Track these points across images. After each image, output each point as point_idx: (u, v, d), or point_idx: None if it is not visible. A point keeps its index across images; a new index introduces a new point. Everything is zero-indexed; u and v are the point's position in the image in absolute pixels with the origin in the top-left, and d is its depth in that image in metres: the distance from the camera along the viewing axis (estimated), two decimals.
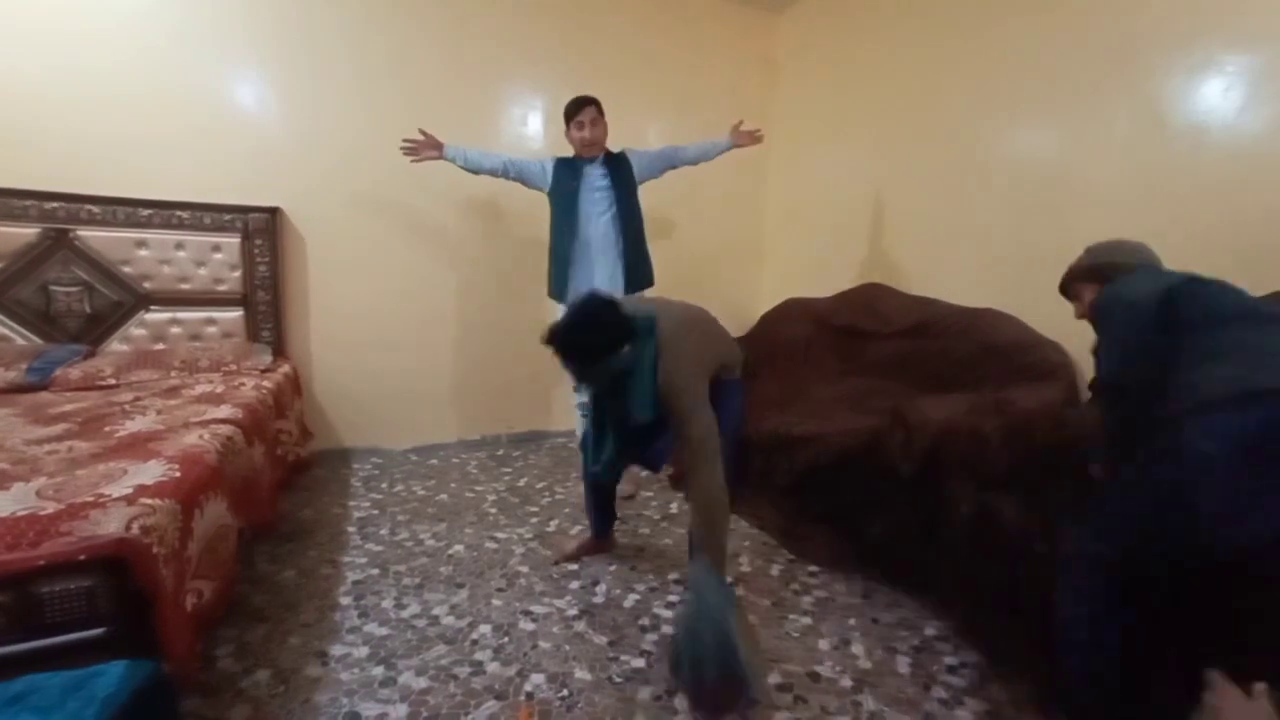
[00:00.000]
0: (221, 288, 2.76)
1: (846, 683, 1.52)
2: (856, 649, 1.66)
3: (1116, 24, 2.12)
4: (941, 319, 2.62)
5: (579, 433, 2.61)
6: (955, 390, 2.15)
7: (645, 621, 1.76)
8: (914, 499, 1.86)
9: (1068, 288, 1.59)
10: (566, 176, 2.58)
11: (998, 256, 2.57)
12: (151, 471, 1.29)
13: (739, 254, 4.00)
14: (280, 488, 2.26)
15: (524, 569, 2.04)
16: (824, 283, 3.35)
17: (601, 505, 2.10)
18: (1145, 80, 2.06)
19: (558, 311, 2.52)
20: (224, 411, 1.84)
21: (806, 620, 1.79)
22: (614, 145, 2.68)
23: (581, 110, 2.51)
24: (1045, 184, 2.37)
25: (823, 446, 2.13)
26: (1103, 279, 1.47)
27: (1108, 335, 1.36)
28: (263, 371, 2.54)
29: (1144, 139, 2.07)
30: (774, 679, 1.52)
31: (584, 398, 2.36)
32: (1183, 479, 1.10)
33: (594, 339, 1.50)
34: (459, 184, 3.17)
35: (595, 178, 2.57)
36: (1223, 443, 1.07)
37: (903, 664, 1.60)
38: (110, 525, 1.05)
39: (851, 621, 1.79)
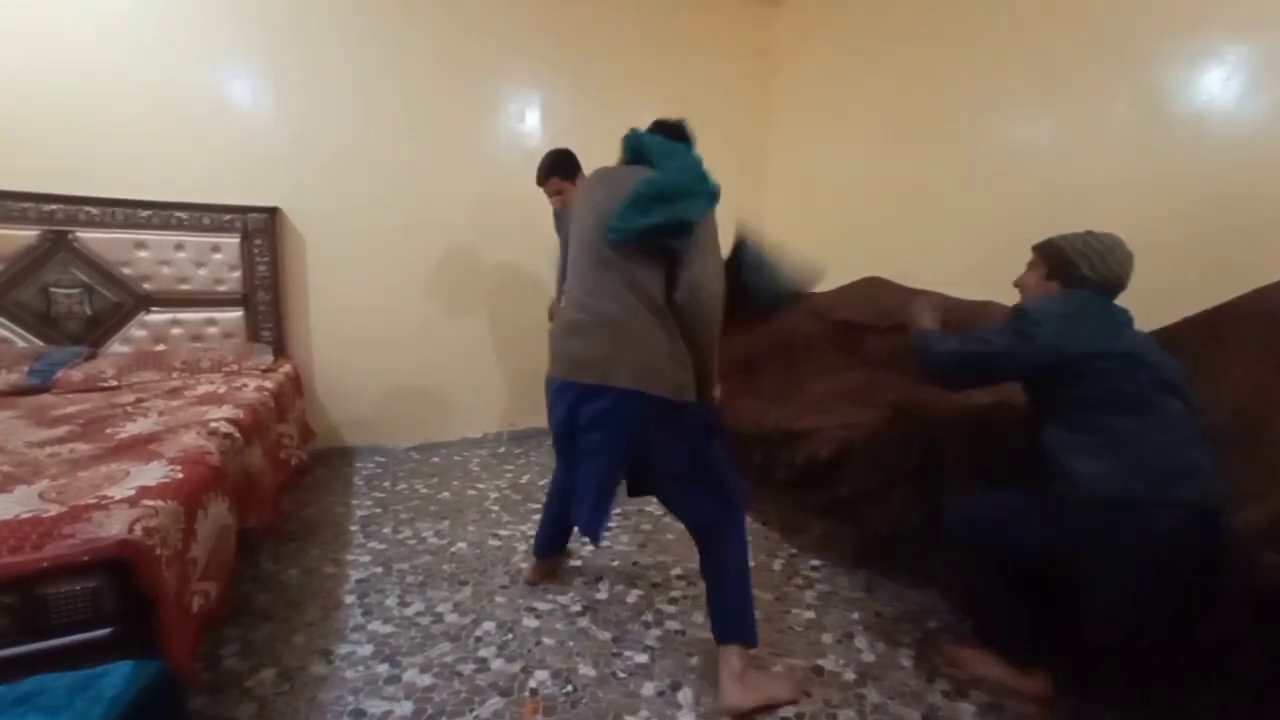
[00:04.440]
0: (221, 288, 2.75)
1: (850, 676, 1.52)
2: (860, 642, 1.66)
3: (1116, 12, 2.11)
4: (943, 312, 2.61)
5: None
6: None
7: (648, 617, 1.77)
8: (915, 492, 1.86)
9: (1035, 252, 1.55)
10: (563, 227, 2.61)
11: (998, 249, 2.55)
12: (154, 473, 1.30)
13: None
14: (283, 489, 2.26)
15: (527, 566, 2.04)
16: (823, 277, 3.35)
17: (557, 507, 1.89)
18: (1145, 69, 2.05)
19: None
20: (226, 412, 1.84)
21: (809, 614, 1.79)
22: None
23: (546, 182, 2.53)
24: (1045, 175, 2.36)
25: (823, 440, 2.13)
26: (1055, 274, 1.46)
27: (1002, 333, 1.41)
28: (264, 371, 2.54)
29: (1144, 129, 2.06)
30: (777, 670, 1.52)
31: None
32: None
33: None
34: (459, 181, 3.17)
35: None
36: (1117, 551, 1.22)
37: (906, 657, 1.60)
38: (113, 527, 1.05)
39: (854, 615, 1.79)
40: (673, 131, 1.59)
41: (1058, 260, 1.46)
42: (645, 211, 1.33)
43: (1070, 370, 1.33)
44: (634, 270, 1.37)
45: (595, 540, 1.46)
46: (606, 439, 1.37)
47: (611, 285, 1.38)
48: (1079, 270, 1.41)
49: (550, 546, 1.97)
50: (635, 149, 1.52)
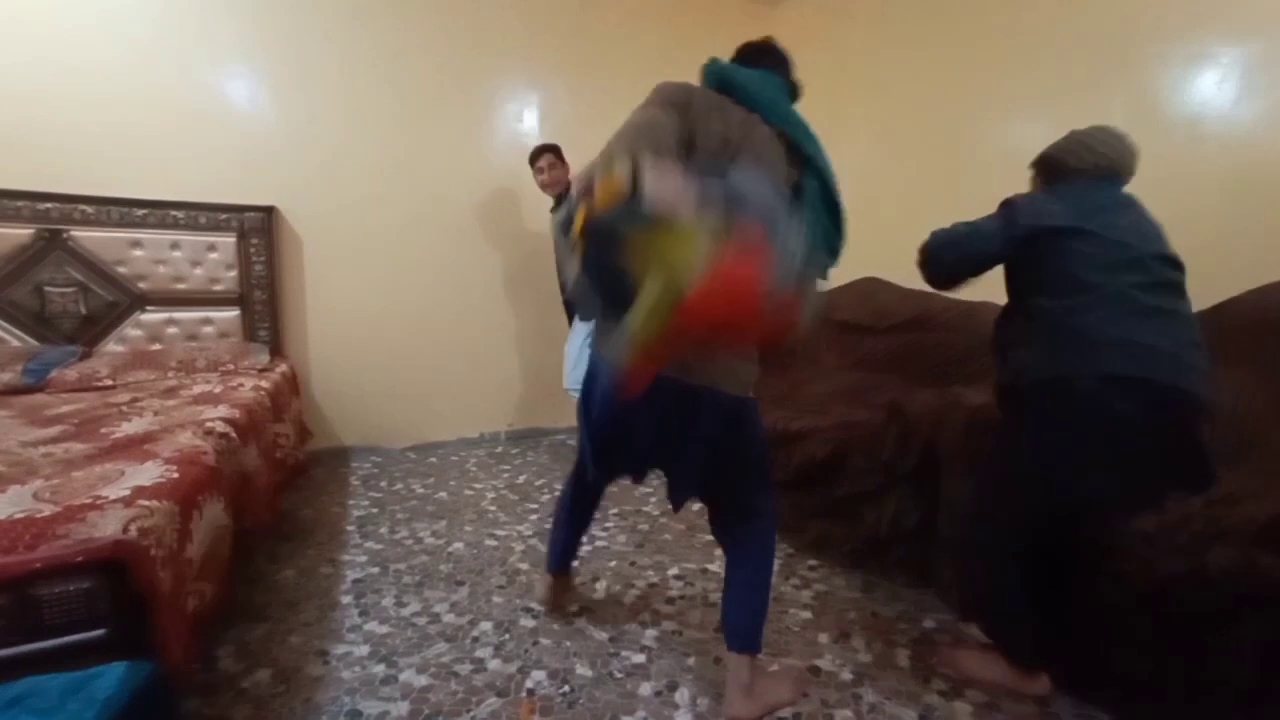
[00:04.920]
0: (218, 287, 2.75)
1: (847, 676, 1.52)
2: (856, 642, 1.66)
3: (1112, 16, 2.12)
4: (939, 312, 2.62)
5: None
6: (953, 383, 2.15)
7: (645, 617, 1.76)
8: (912, 492, 1.87)
9: (1030, 169, 1.57)
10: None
11: None
12: (149, 473, 1.29)
13: None
14: (280, 489, 2.26)
15: (524, 566, 2.04)
16: None
17: (577, 519, 1.72)
18: (1141, 72, 2.06)
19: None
20: (222, 412, 1.83)
21: (806, 614, 1.79)
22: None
23: (540, 157, 2.67)
24: None
25: (820, 441, 2.13)
26: (1047, 174, 1.48)
27: (988, 218, 1.46)
28: (260, 371, 2.53)
29: (1139, 131, 2.06)
30: (774, 670, 1.52)
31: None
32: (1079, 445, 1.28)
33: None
34: (456, 181, 3.17)
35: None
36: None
37: (902, 657, 1.60)
38: (108, 527, 1.05)
39: (851, 615, 1.79)
40: (772, 62, 1.33)
41: (1047, 164, 1.50)
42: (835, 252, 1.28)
43: (1037, 249, 1.37)
44: None
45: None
46: (694, 439, 1.26)
47: None
48: (1068, 164, 1.43)
49: (567, 557, 1.78)
50: (722, 83, 1.26)
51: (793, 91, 1.35)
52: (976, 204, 2.61)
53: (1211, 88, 1.88)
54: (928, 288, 2.76)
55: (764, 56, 1.32)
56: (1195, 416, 1.25)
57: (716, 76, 1.26)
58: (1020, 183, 2.43)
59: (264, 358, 2.66)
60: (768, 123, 1.20)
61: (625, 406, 1.26)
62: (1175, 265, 1.33)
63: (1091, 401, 1.24)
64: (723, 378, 1.23)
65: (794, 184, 1.20)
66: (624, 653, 1.60)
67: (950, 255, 1.54)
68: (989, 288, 2.61)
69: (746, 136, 1.16)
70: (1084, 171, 1.41)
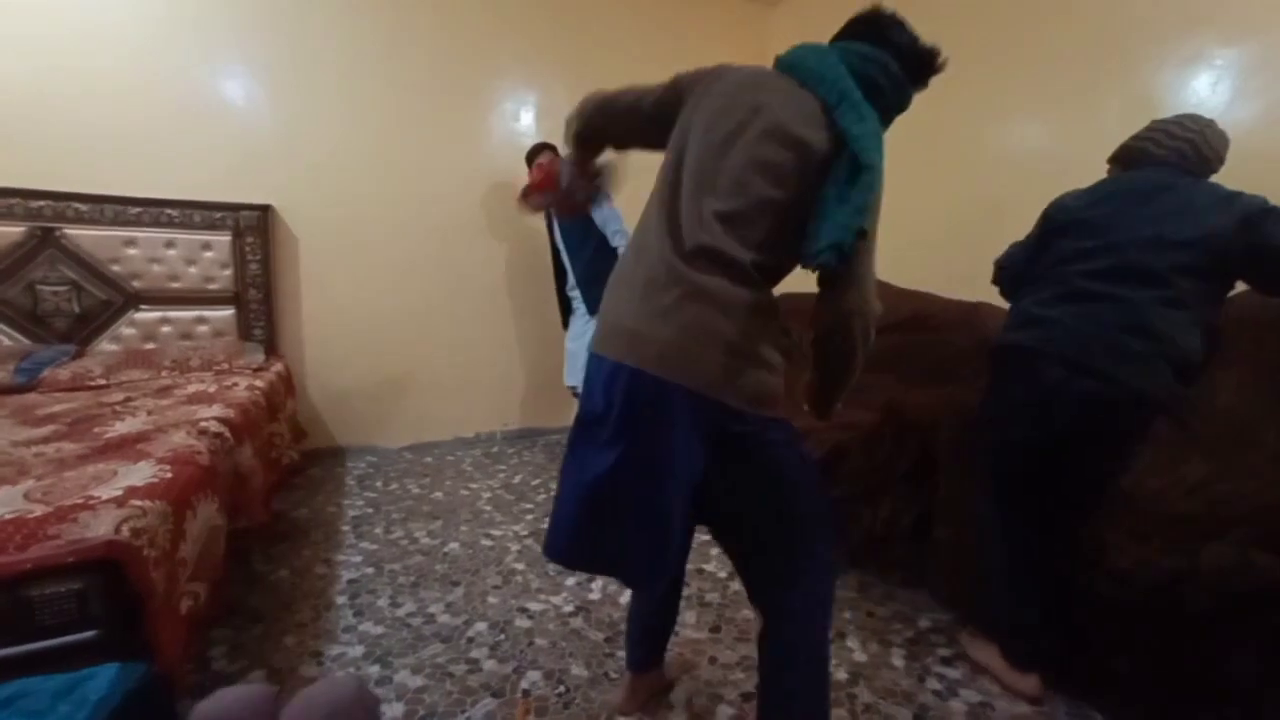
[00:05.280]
0: (213, 286, 2.73)
1: (842, 675, 1.52)
2: (852, 642, 1.66)
3: (1108, 18, 2.13)
4: (937, 313, 2.62)
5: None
6: (951, 384, 2.15)
7: None
8: (908, 492, 1.87)
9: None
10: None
11: (993, 251, 2.56)
12: (142, 473, 1.28)
13: None
14: (274, 489, 2.25)
15: (519, 566, 2.04)
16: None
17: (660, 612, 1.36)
18: (1136, 74, 2.06)
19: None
20: (216, 411, 1.82)
21: None
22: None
23: (538, 155, 2.70)
24: (1038, 178, 2.36)
25: (817, 441, 2.13)
26: (1119, 161, 1.45)
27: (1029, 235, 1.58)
28: (255, 370, 2.52)
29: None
30: None
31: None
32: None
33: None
34: (453, 180, 3.16)
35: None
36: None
37: (897, 657, 1.61)
38: (100, 528, 1.04)
39: (846, 615, 1.80)
40: (851, 32, 1.17)
41: (1120, 152, 1.45)
42: (864, 211, 0.96)
43: (1040, 243, 1.48)
44: (747, 234, 0.99)
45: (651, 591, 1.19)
46: (663, 456, 0.99)
47: (713, 247, 0.97)
48: (1146, 151, 1.38)
49: (646, 645, 1.39)
50: (781, 65, 1.11)
51: (907, 59, 1.18)
52: (975, 204, 2.63)
53: (1208, 89, 1.89)
54: (925, 287, 2.79)
55: (845, 27, 1.20)
56: (1108, 395, 1.26)
57: (780, 60, 1.14)
58: (1016, 183, 2.45)
59: (259, 357, 2.65)
60: (806, 88, 1.05)
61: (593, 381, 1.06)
62: (1166, 249, 1.25)
63: (1004, 365, 1.47)
64: (695, 370, 0.97)
65: (825, 152, 1.00)
66: (619, 653, 1.59)
67: (1003, 274, 1.68)
68: (988, 289, 2.60)
69: (764, 103, 1.03)
70: (1163, 159, 1.36)
